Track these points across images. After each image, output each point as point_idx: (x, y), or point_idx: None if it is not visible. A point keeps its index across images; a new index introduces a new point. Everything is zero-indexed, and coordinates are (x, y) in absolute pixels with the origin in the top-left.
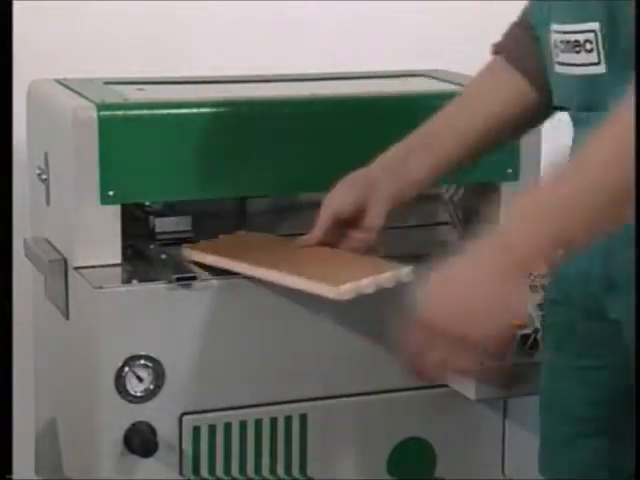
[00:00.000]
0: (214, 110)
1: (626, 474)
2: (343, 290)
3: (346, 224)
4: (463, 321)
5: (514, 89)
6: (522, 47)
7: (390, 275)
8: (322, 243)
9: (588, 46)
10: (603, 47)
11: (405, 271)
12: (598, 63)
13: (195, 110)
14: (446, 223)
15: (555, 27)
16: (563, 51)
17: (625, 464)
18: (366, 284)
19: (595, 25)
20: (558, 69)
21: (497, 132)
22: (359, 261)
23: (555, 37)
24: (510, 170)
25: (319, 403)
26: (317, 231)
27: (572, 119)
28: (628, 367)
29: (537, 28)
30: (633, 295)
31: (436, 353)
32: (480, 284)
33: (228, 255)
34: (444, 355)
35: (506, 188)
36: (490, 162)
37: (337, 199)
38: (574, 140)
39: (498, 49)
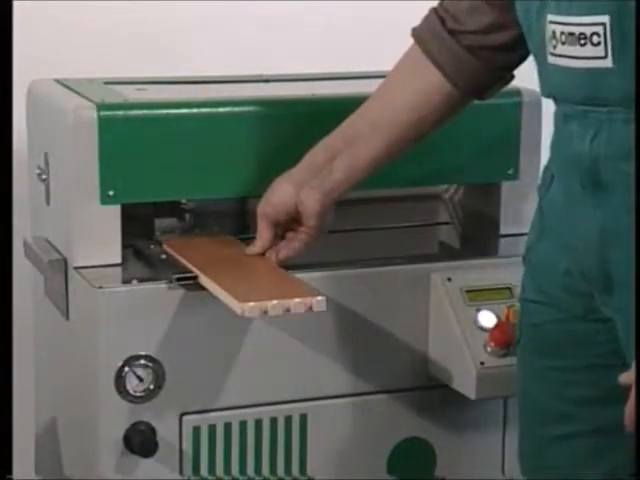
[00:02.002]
0: (214, 110)
1: (616, 472)
2: (248, 307)
3: (287, 224)
4: None
5: (431, 84)
6: (436, 40)
7: (299, 301)
8: (270, 246)
9: (595, 39)
10: (612, 41)
11: (317, 300)
12: (605, 57)
13: (195, 110)
14: (446, 223)
15: (553, 18)
16: (564, 43)
17: (616, 462)
18: (272, 306)
19: (605, 18)
20: (552, 60)
21: (418, 126)
22: (280, 281)
23: (553, 28)
24: (510, 170)
25: (319, 403)
26: (260, 242)
27: (563, 112)
28: (617, 366)
29: (525, 17)
30: (632, 294)
31: None
32: None
33: (185, 254)
34: None
35: (506, 188)
36: (490, 162)
37: (270, 208)
38: (563, 133)
39: (416, 37)
